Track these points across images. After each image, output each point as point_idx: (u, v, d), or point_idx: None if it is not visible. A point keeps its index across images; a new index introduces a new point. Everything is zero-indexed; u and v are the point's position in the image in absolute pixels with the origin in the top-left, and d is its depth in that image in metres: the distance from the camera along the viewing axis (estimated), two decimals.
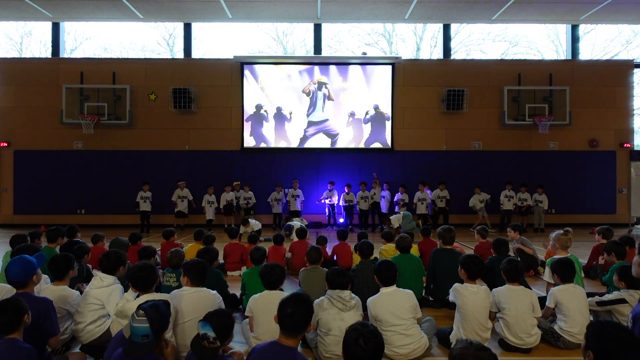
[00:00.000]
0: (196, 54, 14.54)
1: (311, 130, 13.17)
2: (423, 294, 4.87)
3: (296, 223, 8.73)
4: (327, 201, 12.31)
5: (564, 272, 3.76)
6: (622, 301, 3.62)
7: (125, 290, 3.60)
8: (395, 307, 3.36)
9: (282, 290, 3.64)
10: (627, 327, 1.98)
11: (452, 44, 14.34)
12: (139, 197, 11.73)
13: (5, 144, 12.90)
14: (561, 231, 4.80)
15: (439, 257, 4.90)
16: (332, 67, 13.22)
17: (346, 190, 12.08)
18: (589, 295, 4.14)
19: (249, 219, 9.59)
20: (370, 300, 3.49)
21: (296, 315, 2.34)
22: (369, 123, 13.19)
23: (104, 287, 3.47)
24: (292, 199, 12.12)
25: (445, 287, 4.69)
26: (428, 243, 6.18)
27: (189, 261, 3.55)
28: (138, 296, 3.20)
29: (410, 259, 4.84)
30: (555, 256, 4.61)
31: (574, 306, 3.61)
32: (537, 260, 6.33)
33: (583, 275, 6.29)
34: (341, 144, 13.18)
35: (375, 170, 12.78)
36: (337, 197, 12.29)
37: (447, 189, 11.95)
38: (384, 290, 3.51)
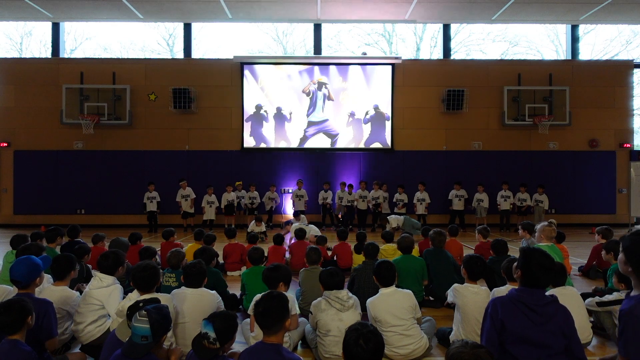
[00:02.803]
0: (196, 54, 14.54)
1: (311, 130, 13.17)
2: (424, 297, 4.87)
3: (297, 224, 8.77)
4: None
5: (556, 276, 3.77)
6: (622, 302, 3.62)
7: (125, 290, 3.61)
8: (395, 308, 3.36)
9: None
10: None
11: (452, 44, 14.34)
12: (145, 197, 11.74)
13: (5, 144, 12.90)
14: (546, 223, 4.95)
15: (430, 258, 4.99)
16: (332, 67, 13.22)
17: (347, 191, 12.08)
18: (587, 295, 4.16)
19: (262, 219, 9.82)
20: (369, 301, 3.49)
21: (269, 313, 2.37)
22: (369, 123, 13.19)
23: (103, 288, 3.47)
24: (296, 199, 12.13)
25: (439, 286, 4.72)
26: (428, 243, 6.18)
27: (186, 265, 3.56)
28: (140, 296, 3.20)
29: (413, 261, 4.85)
30: (539, 243, 4.76)
31: (570, 308, 3.61)
32: None
33: (580, 273, 6.36)
34: (341, 144, 13.18)
35: (375, 170, 12.84)
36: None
37: (463, 188, 11.98)
38: (382, 290, 3.51)
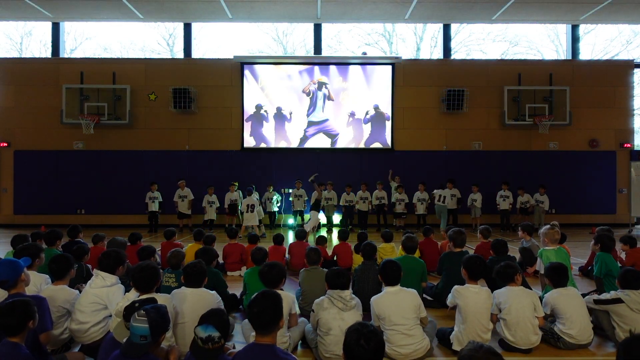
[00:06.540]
0: (196, 54, 14.53)
1: (311, 130, 13.16)
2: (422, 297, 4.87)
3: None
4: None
5: (557, 277, 3.79)
6: (619, 301, 3.63)
7: (127, 290, 3.60)
8: (399, 307, 3.37)
9: (282, 290, 3.64)
10: None
11: (452, 44, 14.33)
12: (147, 197, 11.70)
13: (5, 144, 12.89)
14: (548, 226, 4.84)
15: (451, 260, 4.85)
16: (332, 67, 13.21)
17: (347, 191, 12.07)
18: (584, 295, 4.17)
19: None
20: (373, 298, 3.50)
21: (264, 313, 2.35)
22: (369, 123, 13.18)
23: (106, 287, 3.46)
24: (295, 199, 12.12)
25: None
26: (429, 243, 6.18)
27: (187, 265, 3.55)
28: (139, 297, 3.20)
29: (414, 262, 4.83)
30: (545, 247, 4.70)
31: (571, 309, 3.63)
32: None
33: (580, 273, 6.36)
34: (341, 144, 13.18)
35: (375, 170, 12.81)
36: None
37: (456, 187, 11.87)
38: (387, 289, 3.51)
